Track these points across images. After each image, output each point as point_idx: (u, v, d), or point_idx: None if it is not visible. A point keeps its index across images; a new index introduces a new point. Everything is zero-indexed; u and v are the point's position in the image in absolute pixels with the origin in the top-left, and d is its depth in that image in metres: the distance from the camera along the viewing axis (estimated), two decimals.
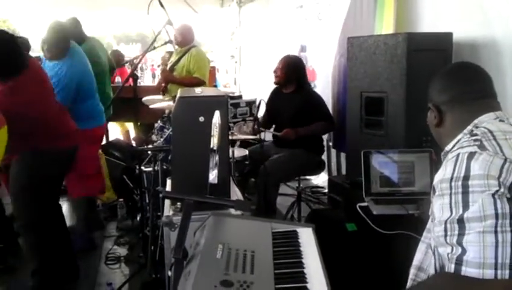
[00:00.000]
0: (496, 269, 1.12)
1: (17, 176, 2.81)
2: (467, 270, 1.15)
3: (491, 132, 1.28)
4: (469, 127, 1.35)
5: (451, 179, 1.22)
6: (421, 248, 1.47)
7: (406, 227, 2.19)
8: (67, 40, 3.50)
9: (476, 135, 1.29)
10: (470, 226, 1.16)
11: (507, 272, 1.12)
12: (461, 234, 1.17)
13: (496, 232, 1.14)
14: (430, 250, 1.38)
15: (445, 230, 1.21)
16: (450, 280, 1.21)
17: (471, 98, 1.40)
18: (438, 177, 1.28)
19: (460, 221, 1.18)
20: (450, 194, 1.21)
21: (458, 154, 1.25)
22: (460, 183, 1.20)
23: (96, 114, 3.75)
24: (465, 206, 1.18)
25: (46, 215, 2.85)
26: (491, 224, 1.14)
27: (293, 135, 3.76)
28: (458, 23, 2.90)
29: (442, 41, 2.85)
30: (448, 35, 2.86)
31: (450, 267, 1.18)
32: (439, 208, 1.24)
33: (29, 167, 2.79)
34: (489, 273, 1.13)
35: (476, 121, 1.35)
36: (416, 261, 1.46)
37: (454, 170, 1.22)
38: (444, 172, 1.26)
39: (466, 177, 1.19)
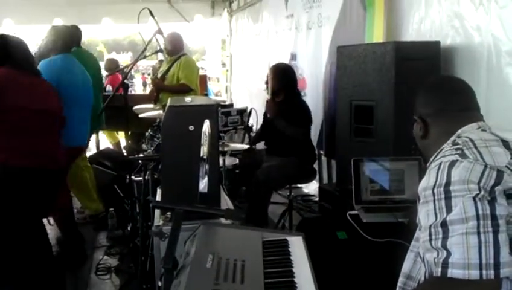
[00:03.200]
0: (480, 269, 1.14)
1: None
2: (453, 272, 1.16)
3: (472, 140, 1.32)
4: (452, 138, 1.39)
5: (434, 186, 1.25)
6: (409, 257, 1.48)
7: (396, 235, 2.19)
8: (68, 39, 3.53)
9: (457, 144, 1.33)
10: (453, 229, 1.19)
11: (492, 272, 1.14)
12: (445, 237, 1.20)
13: (478, 233, 1.16)
14: (419, 258, 1.39)
15: (430, 235, 1.24)
16: (437, 283, 1.23)
17: (455, 111, 1.45)
18: (421, 185, 1.32)
19: (444, 224, 1.21)
20: (434, 200, 1.24)
21: (440, 163, 1.28)
22: (442, 189, 1.23)
23: (84, 133, 3.73)
24: (449, 210, 1.21)
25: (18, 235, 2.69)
26: (473, 225, 1.17)
27: (273, 109, 3.76)
28: (443, 33, 2.95)
29: (429, 50, 2.88)
30: (436, 44, 2.89)
31: (437, 271, 1.20)
32: (425, 215, 1.27)
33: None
34: (474, 274, 1.14)
35: (459, 132, 1.40)
36: (405, 269, 1.48)
37: (436, 177, 1.26)
38: (427, 180, 1.29)
39: (447, 184, 1.22)
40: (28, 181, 2.66)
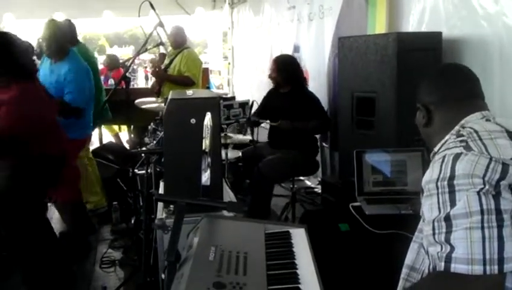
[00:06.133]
0: (484, 264, 1.13)
1: (6, 184, 2.72)
2: (456, 267, 1.16)
3: (476, 132, 1.29)
4: (456, 127, 1.37)
5: (438, 179, 1.23)
6: (413, 248, 1.48)
7: (399, 226, 2.20)
8: (66, 36, 3.56)
9: (462, 135, 1.31)
10: (457, 223, 1.18)
11: (496, 267, 1.13)
12: (449, 232, 1.19)
13: (482, 227, 1.15)
14: (423, 250, 1.39)
15: (433, 229, 1.22)
16: (440, 278, 1.22)
17: (458, 99, 1.42)
18: (425, 178, 1.30)
19: (447, 218, 1.19)
20: (438, 194, 1.23)
21: (444, 156, 1.27)
22: (446, 183, 1.21)
23: (89, 122, 3.78)
24: (452, 204, 1.19)
25: (34, 223, 2.80)
26: (477, 220, 1.15)
27: (289, 125, 3.75)
28: (448, 23, 2.92)
29: (431, 41, 2.87)
30: (438, 34, 2.87)
31: (440, 266, 1.19)
32: (429, 208, 1.26)
33: (18, 174, 2.72)
34: (477, 269, 1.13)
35: (462, 121, 1.38)
36: (408, 260, 1.47)
37: (440, 171, 1.24)
38: (431, 173, 1.28)
39: (451, 177, 1.21)
40: (53, 169, 2.87)
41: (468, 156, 1.22)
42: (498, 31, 2.56)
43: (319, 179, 4.48)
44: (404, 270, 1.47)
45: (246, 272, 1.27)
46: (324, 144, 4.65)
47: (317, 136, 4.21)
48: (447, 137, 1.38)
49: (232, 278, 1.23)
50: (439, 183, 1.23)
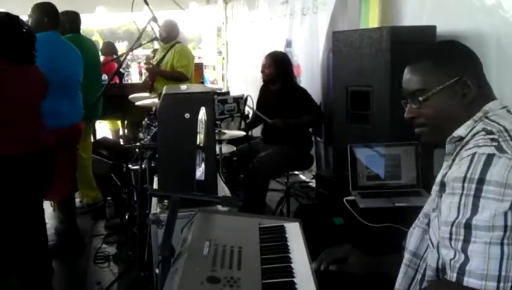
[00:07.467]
0: (498, 281, 1.10)
1: None
2: (469, 281, 1.12)
3: (507, 130, 1.21)
4: (479, 114, 1.29)
5: (465, 179, 1.16)
6: (415, 234, 1.42)
7: (393, 220, 2.21)
8: (38, 19, 3.49)
9: (491, 132, 1.22)
10: (477, 234, 1.13)
11: (509, 284, 1.11)
12: (466, 241, 1.14)
13: (502, 244, 1.11)
14: (428, 237, 1.34)
15: (451, 233, 1.18)
16: (451, 288, 1.18)
17: (478, 79, 1.31)
18: (451, 174, 1.22)
19: (467, 226, 1.14)
20: (461, 194, 1.17)
21: (474, 154, 1.18)
22: (474, 185, 1.15)
23: (74, 111, 3.56)
24: (474, 210, 1.14)
25: (18, 222, 2.69)
26: (498, 236, 1.11)
27: (282, 123, 3.76)
28: (442, 16, 2.92)
29: (425, 35, 2.86)
30: (432, 28, 2.88)
31: (452, 276, 1.15)
32: (447, 207, 1.20)
33: None
34: (491, 286, 1.10)
35: (486, 108, 1.29)
36: (411, 246, 1.42)
37: (468, 169, 1.17)
38: (458, 170, 1.20)
39: (481, 181, 1.14)
40: (18, 169, 2.62)
41: (503, 159, 1.14)
42: (495, 24, 2.56)
43: (314, 174, 4.49)
44: (407, 256, 1.42)
45: (240, 267, 1.27)
46: (318, 138, 4.66)
47: (311, 130, 4.21)
48: (469, 122, 1.28)
49: (227, 273, 1.23)
50: (465, 184, 1.16)
